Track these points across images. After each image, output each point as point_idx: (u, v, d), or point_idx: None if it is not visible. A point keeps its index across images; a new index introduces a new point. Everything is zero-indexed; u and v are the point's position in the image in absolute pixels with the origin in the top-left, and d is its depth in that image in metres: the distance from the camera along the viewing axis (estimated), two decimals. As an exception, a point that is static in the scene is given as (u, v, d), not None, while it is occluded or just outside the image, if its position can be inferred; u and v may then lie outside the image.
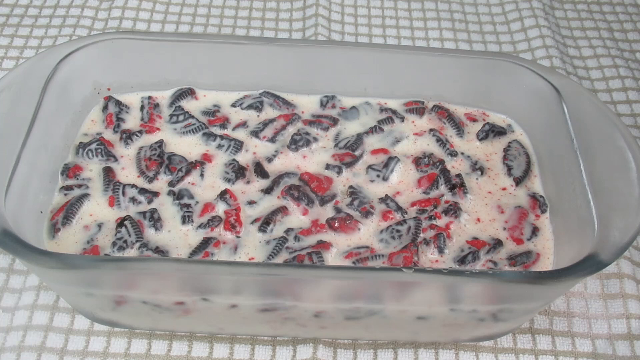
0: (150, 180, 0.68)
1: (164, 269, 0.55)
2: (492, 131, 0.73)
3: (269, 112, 0.75)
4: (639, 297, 0.68)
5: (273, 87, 0.76)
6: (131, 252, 0.62)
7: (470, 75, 0.73)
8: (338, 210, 0.66)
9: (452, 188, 0.68)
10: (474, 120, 0.75)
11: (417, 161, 0.70)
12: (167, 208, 0.66)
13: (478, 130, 0.73)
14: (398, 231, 0.64)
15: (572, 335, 0.66)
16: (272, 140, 0.72)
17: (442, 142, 0.72)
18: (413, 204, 0.67)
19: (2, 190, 0.58)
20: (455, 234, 0.65)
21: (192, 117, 0.73)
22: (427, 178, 0.68)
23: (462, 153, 0.72)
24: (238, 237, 0.64)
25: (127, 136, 0.71)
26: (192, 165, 0.69)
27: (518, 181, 0.69)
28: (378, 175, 0.69)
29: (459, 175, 0.69)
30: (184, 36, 0.79)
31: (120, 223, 0.64)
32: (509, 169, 0.70)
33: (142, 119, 0.73)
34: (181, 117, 0.73)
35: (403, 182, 0.69)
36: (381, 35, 0.97)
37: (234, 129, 0.73)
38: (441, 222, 0.65)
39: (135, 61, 0.73)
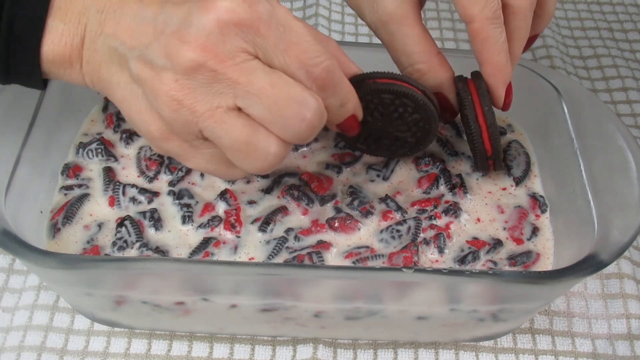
0: (151, 180, 0.68)
1: (164, 269, 0.56)
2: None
3: (269, 112, 0.75)
4: (639, 297, 0.68)
5: (273, 87, 0.76)
6: (131, 252, 0.62)
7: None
8: (338, 210, 0.66)
9: (452, 188, 0.68)
10: (474, 120, 0.75)
11: (417, 161, 0.70)
12: (167, 208, 0.66)
13: (478, 130, 0.73)
14: (398, 231, 0.64)
15: (572, 335, 0.66)
16: (273, 140, 0.72)
17: (442, 142, 0.72)
18: (413, 204, 0.67)
19: (2, 191, 0.58)
20: (455, 234, 0.65)
21: (193, 116, 0.73)
22: (427, 178, 0.68)
23: (463, 153, 0.72)
24: (238, 237, 0.64)
25: (128, 136, 0.71)
26: (192, 165, 0.69)
27: (518, 181, 0.69)
28: (378, 175, 0.69)
29: (459, 175, 0.69)
30: (184, 36, 0.78)
31: (121, 223, 0.64)
32: (509, 169, 0.70)
33: (142, 119, 0.73)
34: (181, 117, 0.73)
35: (403, 182, 0.69)
36: (381, 35, 0.97)
37: (234, 128, 0.73)
38: (441, 222, 0.65)
39: (135, 61, 0.73)
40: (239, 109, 0.51)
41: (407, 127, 0.64)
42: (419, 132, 0.64)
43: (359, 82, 0.58)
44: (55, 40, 0.54)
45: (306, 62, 0.51)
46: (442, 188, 0.68)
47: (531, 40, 0.65)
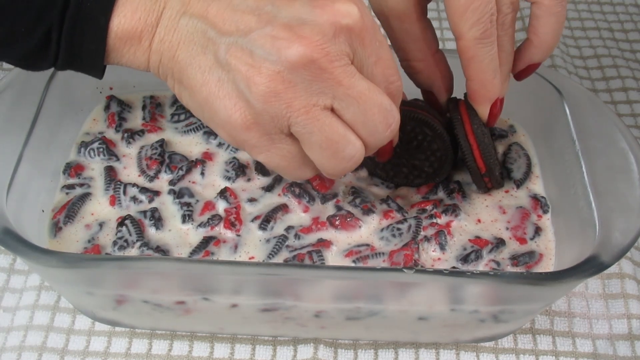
0: (151, 179, 0.68)
1: (164, 269, 0.56)
2: (493, 135, 0.72)
3: (270, 111, 0.75)
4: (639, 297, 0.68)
5: (274, 86, 0.76)
6: (132, 252, 0.62)
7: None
8: (339, 208, 0.66)
9: (450, 193, 0.67)
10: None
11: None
12: (167, 207, 0.66)
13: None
14: (399, 229, 0.64)
15: (572, 335, 0.66)
16: (273, 138, 0.72)
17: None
18: (413, 206, 0.67)
19: (3, 189, 0.58)
20: (456, 232, 0.65)
21: (193, 115, 0.73)
22: (427, 185, 0.68)
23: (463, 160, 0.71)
24: (238, 235, 0.64)
25: (129, 135, 0.71)
26: (192, 164, 0.69)
27: (519, 184, 0.69)
28: (382, 183, 0.69)
29: (457, 182, 0.69)
30: (185, 35, 0.78)
31: (121, 222, 0.64)
32: (509, 172, 0.70)
33: (143, 118, 0.73)
34: (182, 116, 0.73)
35: (404, 187, 0.69)
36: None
37: (235, 127, 0.73)
38: (441, 221, 0.65)
39: (136, 60, 0.73)
40: (332, 110, 0.52)
41: (425, 156, 0.66)
42: (436, 162, 0.66)
43: None
44: (128, 14, 0.52)
45: (387, 78, 0.54)
46: (441, 194, 0.68)
47: (531, 68, 0.64)
